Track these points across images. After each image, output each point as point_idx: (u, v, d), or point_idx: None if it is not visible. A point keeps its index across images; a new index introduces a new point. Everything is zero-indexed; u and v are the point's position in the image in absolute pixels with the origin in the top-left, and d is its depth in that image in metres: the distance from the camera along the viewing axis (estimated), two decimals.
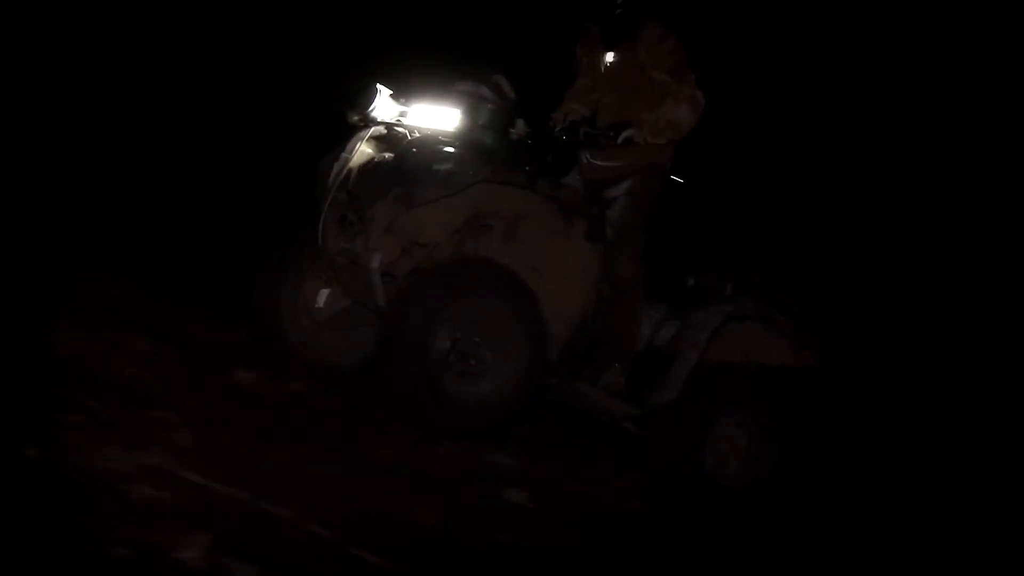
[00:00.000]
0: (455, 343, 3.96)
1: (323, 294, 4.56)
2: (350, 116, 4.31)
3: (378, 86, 4.25)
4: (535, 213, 4.26)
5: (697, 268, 4.70)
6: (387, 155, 4.12)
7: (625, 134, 4.23)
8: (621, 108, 4.46)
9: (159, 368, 3.94)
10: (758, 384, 4.67)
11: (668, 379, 4.41)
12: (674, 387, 4.40)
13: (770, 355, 4.75)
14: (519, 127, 4.26)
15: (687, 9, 4.83)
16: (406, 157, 4.04)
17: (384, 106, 4.23)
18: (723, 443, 4.51)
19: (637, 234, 4.42)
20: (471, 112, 4.15)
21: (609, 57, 4.52)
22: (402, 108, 4.21)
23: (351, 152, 4.24)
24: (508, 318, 4.04)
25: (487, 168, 4.04)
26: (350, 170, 4.15)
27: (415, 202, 3.95)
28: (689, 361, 4.42)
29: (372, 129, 4.26)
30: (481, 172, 4.02)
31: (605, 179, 4.59)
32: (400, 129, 4.19)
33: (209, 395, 3.87)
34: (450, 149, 4.06)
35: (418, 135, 4.14)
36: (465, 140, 4.10)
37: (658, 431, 4.51)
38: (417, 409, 3.99)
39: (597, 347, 4.44)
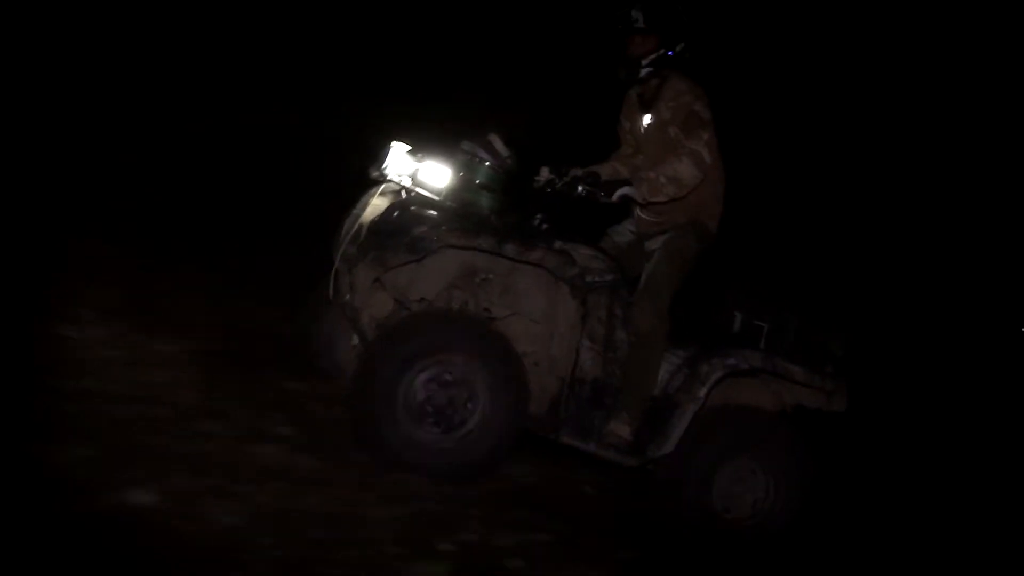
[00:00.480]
0: (429, 396, 4.01)
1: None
2: (370, 171, 4.44)
3: (394, 143, 4.37)
4: (523, 269, 4.31)
5: (742, 304, 4.68)
6: (390, 213, 4.23)
7: (620, 191, 4.32)
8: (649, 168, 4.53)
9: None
10: (768, 430, 4.65)
11: (665, 432, 4.39)
12: (671, 440, 4.38)
13: (786, 402, 4.78)
14: (543, 175, 4.46)
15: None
16: (390, 218, 4.16)
17: (399, 162, 4.34)
18: (736, 486, 4.52)
19: (661, 288, 4.40)
20: (467, 171, 4.27)
21: (646, 119, 4.62)
22: (415, 165, 4.30)
23: (362, 208, 4.37)
24: (476, 372, 4.07)
25: (452, 234, 4.07)
26: (360, 225, 4.23)
27: (388, 264, 4.06)
28: (687, 414, 4.39)
29: (384, 185, 4.39)
30: (444, 238, 4.06)
31: (650, 232, 4.69)
32: (403, 187, 4.32)
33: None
34: (432, 212, 4.17)
35: (415, 194, 4.27)
36: (457, 199, 4.23)
37: (663, 477, 4.56)
38: (376, 454, 4.03)
39: (610, 394, 4.43)
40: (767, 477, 4.55)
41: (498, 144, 4.33)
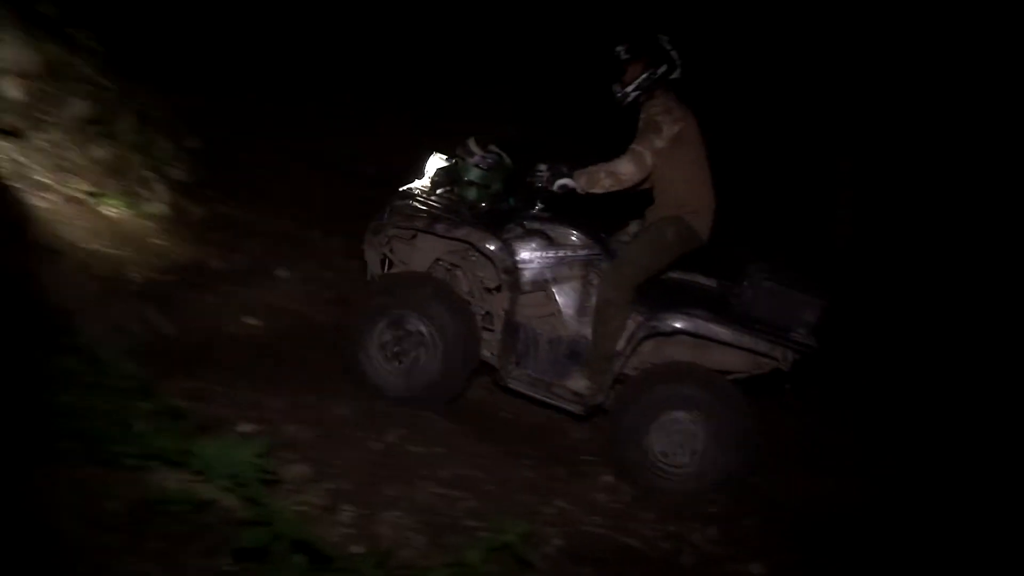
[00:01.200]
0: (391, 338, 5.11)
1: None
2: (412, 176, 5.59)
3: (434, 153, 5.51)
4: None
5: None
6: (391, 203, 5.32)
7: (560, 182, 5.03)
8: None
9: None
10: (705, 387, 4.98)
11: (604, 391, 5.12)
12: (600, 392, 5.12)
13: (724, 362, 5.17)
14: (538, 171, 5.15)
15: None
16: (387, 208, 5.28)
17: (432, 166, 5.51)
18: (675, 436, 4.96)
19: (628, 265, 5.05)
20: (459, 169, 5.30)
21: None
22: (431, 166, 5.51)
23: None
24: (425, 324, 5.07)
25: (398, 219, 5.20)
26: None
27: (370, 242, 5.35)
28: (615, 373, 5.09)
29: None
30: (391, 222, 5.23)
31: (646, 225, 5.36)
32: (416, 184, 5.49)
33: None
34: (412, 201, 5.24)
35: (417, 188, 5.41)
36: (449, 191, 5.35)
37: (612, 424, 5.15)
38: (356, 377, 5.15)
39: (575, 352, 5.25)
40: (702, 429, 4.93)
41: (473, 146, 5.25)
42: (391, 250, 5.40)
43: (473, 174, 5.23)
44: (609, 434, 5.16)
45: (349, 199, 7.93)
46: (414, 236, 5.33)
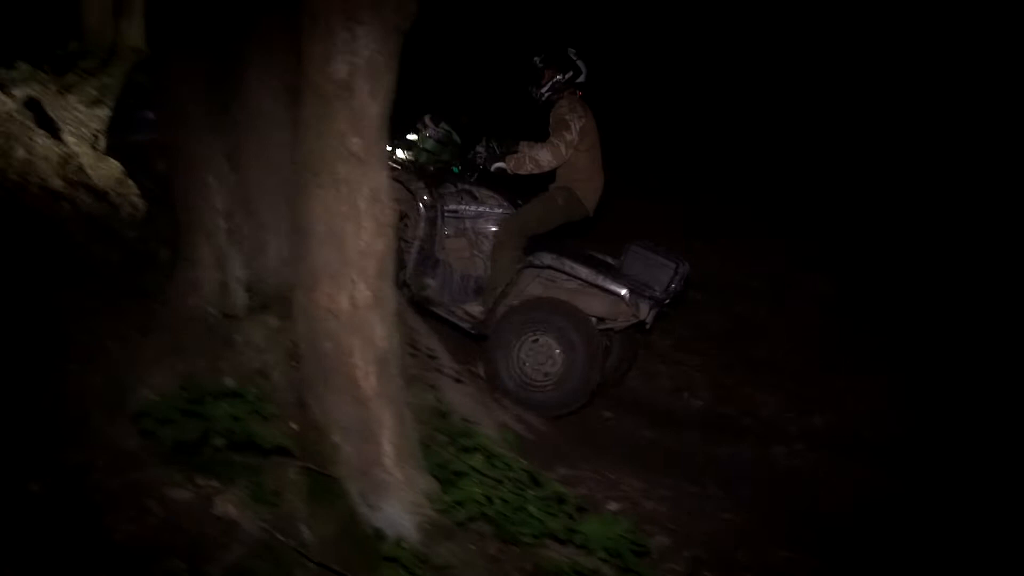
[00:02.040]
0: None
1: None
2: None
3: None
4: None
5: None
6: None
7: (496, 164, 6.38)
8: None
9: None
10: (564, 319, 5.85)
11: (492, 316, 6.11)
12: (482, 311, 6.19)
13: (592, 307, 6.01)
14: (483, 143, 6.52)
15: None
16: None
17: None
18: (539, 355, 5.89)
19: (521, 219, 6.21)
20: (418, 138, 6.53)
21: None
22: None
23: None
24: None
25: None
26: None
27: None
28: (495, 295, 6.12)
29: None
30: None
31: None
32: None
33: None
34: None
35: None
36: (411, 154, 6.55)
37: (489, 342, 6.07)
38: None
39: (480, 288, 6.46)
40: (559, 352, 5.83)
41: (428, 121, 6.51)
42: None
43: (427, 143, 6.49)
44: (485, 350, 6.05)
45: None
46: None
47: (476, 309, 6.28)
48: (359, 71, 3.27)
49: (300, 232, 3.51)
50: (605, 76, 6.74)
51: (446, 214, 6.48)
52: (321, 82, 3.30)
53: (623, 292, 5.74)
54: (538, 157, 6.16)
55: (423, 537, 3.32)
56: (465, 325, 6.23)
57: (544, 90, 6.33)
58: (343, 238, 3.39)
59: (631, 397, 6.75)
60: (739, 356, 7.50)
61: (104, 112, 6.62)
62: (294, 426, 3.53)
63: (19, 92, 6.30)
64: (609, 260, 6.26)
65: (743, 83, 12.86)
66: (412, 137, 6.60)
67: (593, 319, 5.98)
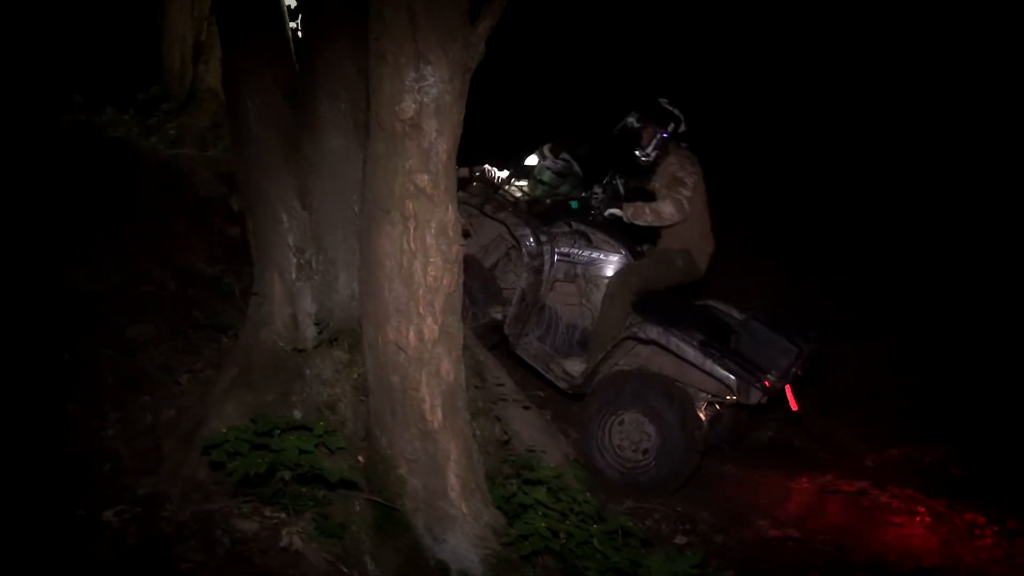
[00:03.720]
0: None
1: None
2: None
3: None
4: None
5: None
6: None
7: (610, 210, 5.59)
8: None
9: None
10: (664, 395, 5.12)
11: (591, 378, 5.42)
12: (580, 379, 5.48)
13: (697, 382, 5.26)
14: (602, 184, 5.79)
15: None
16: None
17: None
18: (631, 432, 5.17)
19: (635, 276, 5.49)
20: (536, 169, 6.07)
21: (655, 182, 5.61)
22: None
23: None
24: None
25: (468, 195, 5.87)
26: None
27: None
28: (592, 364, 5.40)
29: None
30: (463, 197, 5.70)
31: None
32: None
33: None
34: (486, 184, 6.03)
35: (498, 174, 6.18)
36: (515, 183, 6.10)
37: (584, 411, 5.41)
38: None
39: (585, 341, 5.74)
40: (653, 429, 5.10)
41: (547, 151, 5.99)
42: (470, 224, 5.67)
43: (545, 175, 5.92)
44: (578, 419, 5.47)
45: None
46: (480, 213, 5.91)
47: (576, 367, 5.58)
48: (427, 109, 3.21)
49: (369, 268, 3.45)
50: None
51: (557, 256, 5.75)
52: (390, 120, 3.25)
53: (731, 380, 4.97)
54: (661, 209, 5.40)
55: (487, 570, 3.22)
56: (561, 384, 5.59)
57: (650, 150, 5.62)
58: (411, 273, 3.33)
59: None
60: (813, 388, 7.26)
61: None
62: (360, 459, 3.46)
63: (107, 134, 6.44)
64: (735, 314, 5.65)
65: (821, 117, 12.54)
66: (531, 161, 6.09)
67: (705, 393, 5.29)
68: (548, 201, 5.97)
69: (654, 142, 5.58)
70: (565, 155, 5.93)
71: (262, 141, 3.95)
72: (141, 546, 3.03)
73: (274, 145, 3.94)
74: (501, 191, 5.95)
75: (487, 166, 6.15)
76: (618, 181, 5.76)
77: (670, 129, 5.56)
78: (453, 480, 3.33)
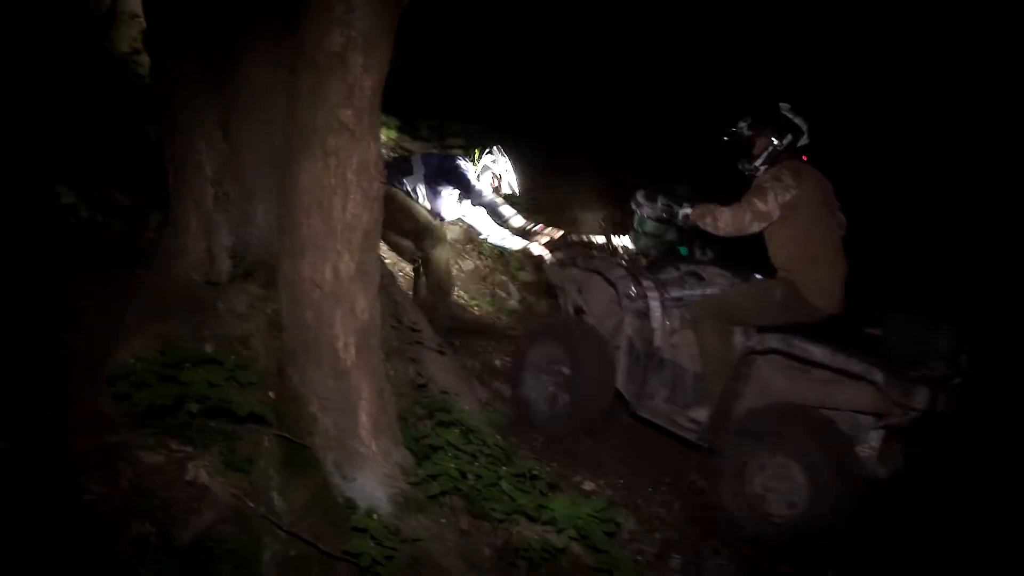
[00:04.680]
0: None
1: None
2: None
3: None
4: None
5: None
6: None
7: (682, 211, 4.93)
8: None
9: None
10: (815, 432, 4.28)
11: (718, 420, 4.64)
12: (703, 418, 4.74)
13: (852, 401, 4.39)
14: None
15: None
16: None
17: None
18: (779, 478, 4.30)
19: (726, 303, 4.81)
20: (635, 219, 5.33)
21: None
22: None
23: None
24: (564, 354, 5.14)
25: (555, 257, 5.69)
26: None
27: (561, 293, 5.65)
28: (732, 406, 4.62)
29: None
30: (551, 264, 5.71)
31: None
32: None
33: None
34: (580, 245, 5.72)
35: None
36: (614, 240, 5.53)
37: (711, 458, 4.59)
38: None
39: (698, 385, 4.97)
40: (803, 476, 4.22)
41: (641, 198, 5.17)
42: (582, 298, 5.41)
43: (645, 225, 5.25)
44: (709, 470, 4.61)
45: None
46: (588, 281, 5.42)
47: (700, 413, 4.82)
48: (354, 43, 3.08)
49: (287, 202, 3.32)
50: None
51: (669, 304, 5.07)
52: (316, 54, 3.11)
53: (877, 376, 4.08)
54: (717, 215, 4.72)
55: (395, 509, 3.15)
56: (690, 435, 4.80)
57: (759, 163, 4.79)
58: (330, 209, 3.21)
59: None
60: None
61: None
62: (271, 395, 3.34)
63: None
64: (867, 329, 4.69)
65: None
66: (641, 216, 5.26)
67: (868, 418, 4.42)
68: (655, 252, 5.35)
69: (765, 154, 4.77)
70: (663, 199, 5.09)
71: (183, 69, 3.75)
72: (39, 477, 2.87)
73: (196, 74, 3.74)
74: (599, 247, 5.49)
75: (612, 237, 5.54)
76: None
77: (786, 141, 4.73)
78: (364, 419, 3.24)
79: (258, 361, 3.43)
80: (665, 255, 5.31)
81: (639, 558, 3.82)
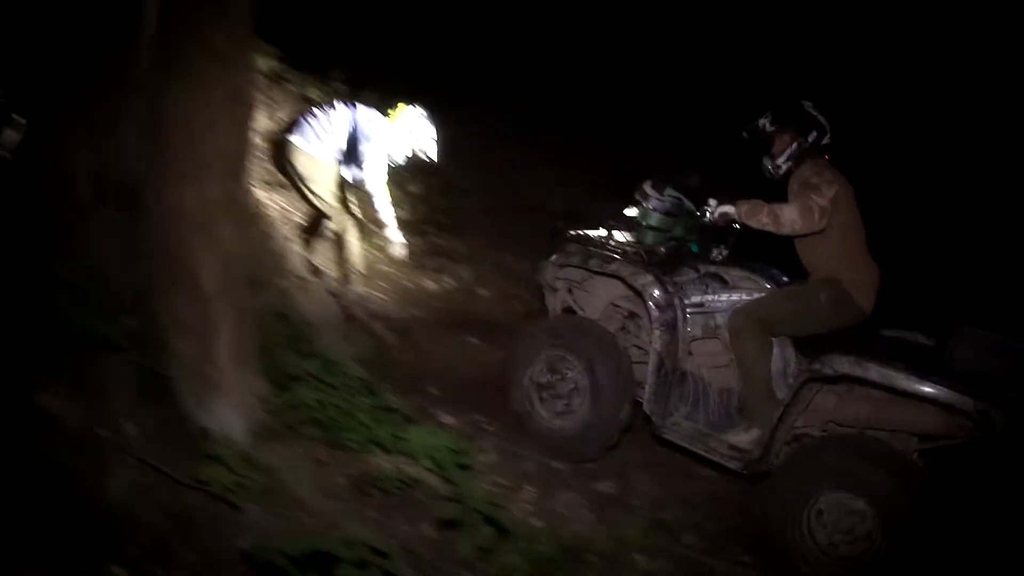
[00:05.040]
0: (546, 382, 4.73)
1: None
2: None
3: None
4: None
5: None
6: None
7: (720, 208, 4.47)
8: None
9: None
10: (878, 460, 3.94)
11: (768, 449, 4.25)
12: (758, 447, 4.28)
13: (915, 422, 4.10)
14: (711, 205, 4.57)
15: None
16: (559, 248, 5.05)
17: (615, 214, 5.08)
18: (839, 515, 3.96)
19: (766, 310, 4.43)
20: (638, 214, 4.77)
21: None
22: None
23: None
24: (582, 368, 4.61)
25: (560, 257, 4.89)
26: None
27: (548, 290, 5.12)
28: (768, 422, 4.25)
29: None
30: (557, 261, 4.94)
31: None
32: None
33: None
34: (585, 244, 4.88)
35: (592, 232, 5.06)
36: (619, 235, 4.93)
37: (764, 493, 4.30)
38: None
39: (739, 406, 4.60)
40: (873, 513, 3.89)
41: (649, 189, 4.70)
42: (573, 297, 5.06)
43: (652, 218, 4.70)
44: (764, 506, 4.24)
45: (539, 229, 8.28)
46: (586, 280, 5.00)
47: (743, 438, 4.42)
48: None
49: (154, 127, 3.23)
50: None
51: (689, 310, 4.62)
52: None
53: (968, 404, 3.75)
54: (781, 212, 4.29)
55: (251, 438, 3.16)
56: (734, 464, 4.38)
57: (782, 160, 4.53)
58: (197, 136, 3.15)
59: (494, 321, 6.61)
60: None
61: None
62: (130, 322, 3.28)
63: None
64: (920, 339, 4.41)
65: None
66: (633, 212, 4.86)
67: (914, 438, 4.18)
68: (663, 249, 4.78)
69: (788, 151, 4.50)
70: (671, 191, 4.73)
71: None
72: None
73: None
74: (606, 244, 4.88)
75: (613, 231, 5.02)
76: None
77: (811, 138, 4.47)
78: (223, 348, 3.22)
79: (117, 287, 3.34)
80: (675, 252, 4.83)
81: (493, 489, 3.91)
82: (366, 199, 5.73)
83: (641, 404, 4.56)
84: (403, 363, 5.19)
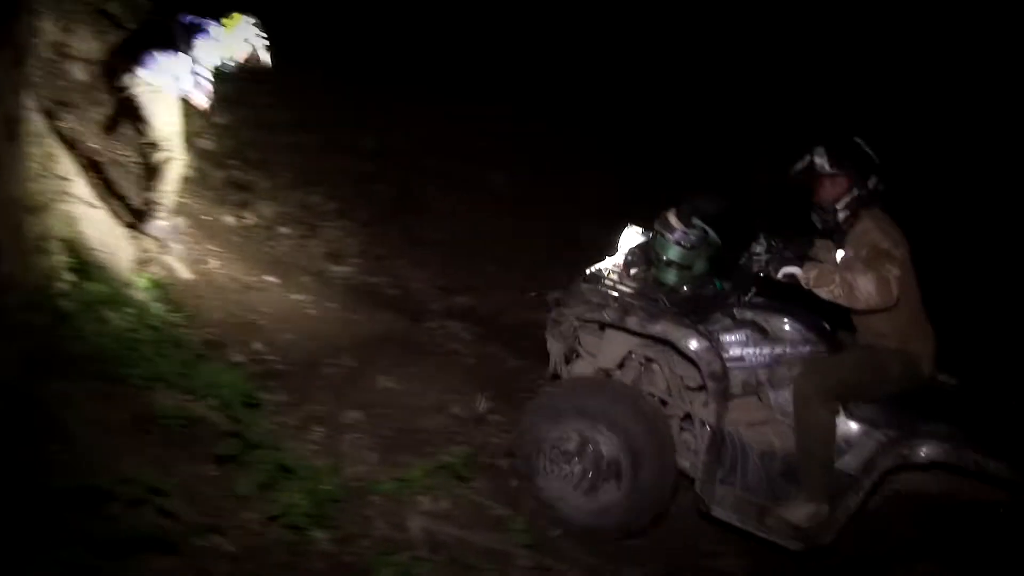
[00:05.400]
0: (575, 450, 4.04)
1: None
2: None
3: (630, 226, 4.48)
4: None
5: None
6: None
7: (786, 269, 3.85)
8: None
9: None
10: (957, 533, 3.58)
11: (828, 521, 3.76)
12: (829, 530, 3.76)
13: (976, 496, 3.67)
14: (756, 248, 3.99)
15: None
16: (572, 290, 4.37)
17: (626, 241, 4.45)
18: None
19: (837, 378, 3.87)
20: (656, 247, 4.16)
21: (838, 255, 4.00)
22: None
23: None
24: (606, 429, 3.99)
25: (583, 308, 4.15)
26: None
27: (553, 336, 4.36)
28: (848, 505, 3.73)
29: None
30: (578, 312, 4.19)
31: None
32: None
33: None
34: (596, 288, 4.22)
35: (606, 267, 4.39)
36: (643, 274, 4.25)
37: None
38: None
39: (792, 470, 3.97)
40: None
41: (673, 219, 4.10)
42: (578, 341, 4.37)
43: (673, 253, 4.10)
44: None
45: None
46: (603, 326, 4.26)
47: (799, 512, 3.80)
48: None
49: None
50: None
51: (728, 363, 3.97)
52: None
53: None
54: (857, 283, 3.69)
55: (25, 372, 2.99)
56: (792, 545, 3.79)
57: (840, 208, 3.88)
58: None
59: (293, 262, 6.43)
60: None
61: None
62: None
63: None
64: (961, 385, 4.05)
65: None
66: (628, 238, 4.34)
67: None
68: (684, 289, 4.14)
69: (847, 198, 3.86)
70: (697, 221, 4.10)
71: None
72: None
73: None
74: (617, 284, 4.23)
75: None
76: (776, 244, 3.94)
77: (871, 184, 3.85)
78: None
79: None
80: (699, 293, 4.17)
81: (279, 428, 3.85)
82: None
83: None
84: (195, 299, 5.00)
